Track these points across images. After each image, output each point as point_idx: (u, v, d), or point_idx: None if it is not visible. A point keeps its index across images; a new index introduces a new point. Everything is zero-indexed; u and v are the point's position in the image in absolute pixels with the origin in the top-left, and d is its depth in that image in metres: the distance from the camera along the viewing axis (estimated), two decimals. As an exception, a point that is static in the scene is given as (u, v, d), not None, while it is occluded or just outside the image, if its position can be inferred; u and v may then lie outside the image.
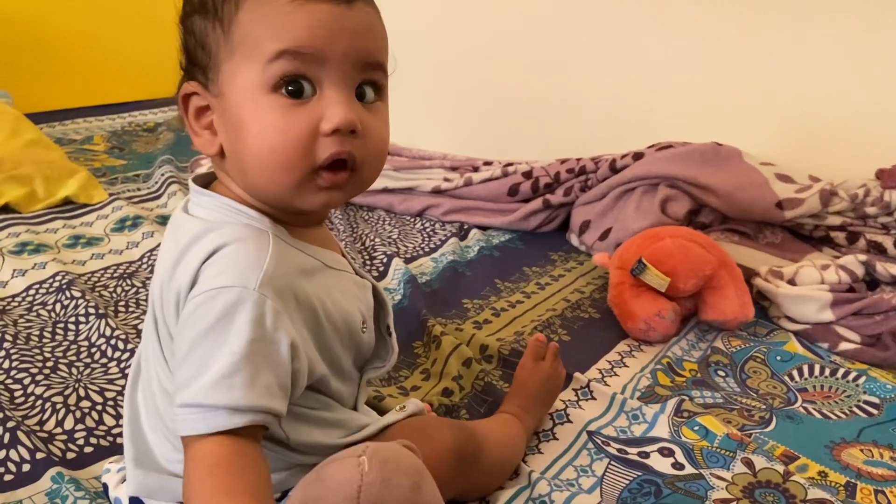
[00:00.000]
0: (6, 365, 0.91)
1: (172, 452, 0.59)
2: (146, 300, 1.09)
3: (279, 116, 0.53)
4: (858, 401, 0.94)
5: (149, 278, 1.15)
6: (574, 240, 1.42)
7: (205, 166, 1.69)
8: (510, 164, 1.57)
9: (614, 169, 1.41)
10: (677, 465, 0.79)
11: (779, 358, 1.03)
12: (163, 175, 1.60)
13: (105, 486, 0.68)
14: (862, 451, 0.84)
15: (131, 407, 0.63)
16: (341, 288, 0.61)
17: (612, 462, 0.80)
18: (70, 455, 0.77)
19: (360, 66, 0.55)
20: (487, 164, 1.66)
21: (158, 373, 0.59)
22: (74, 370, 0.92)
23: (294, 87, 0.53)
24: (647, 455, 0.81)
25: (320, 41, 0.53)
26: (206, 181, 0.61)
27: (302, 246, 0.58)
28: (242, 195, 0.58)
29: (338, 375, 0.62)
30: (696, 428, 0.85)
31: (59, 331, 1.01)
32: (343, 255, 0.66)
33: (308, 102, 0.53)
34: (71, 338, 0.99)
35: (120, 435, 0.75)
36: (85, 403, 0.85)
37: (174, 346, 0.53)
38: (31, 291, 1.11)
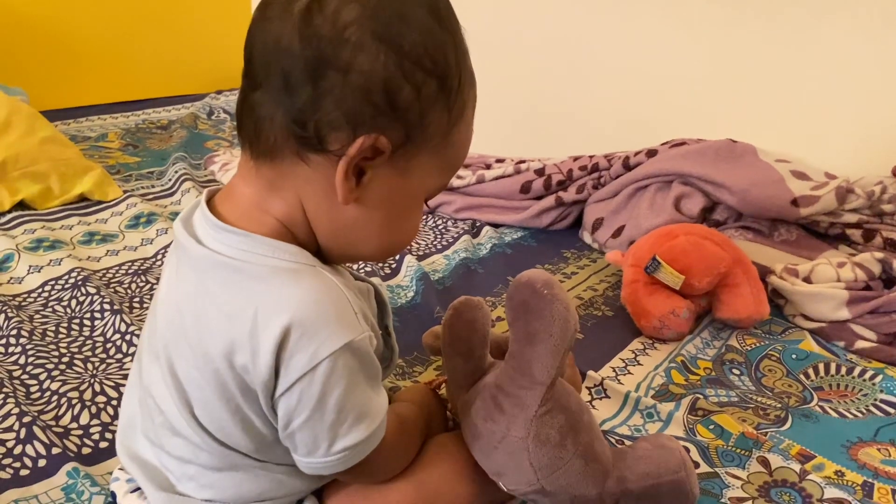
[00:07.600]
0: (22, 360, 0.91)
1: (199, 490, 0.58)
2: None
3: (419, 221, 0.59)
4: (875, 400, 0.93)
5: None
6: (587, 237, 1.41)
7: (218, 163, 1.69)
8: (522, 162, 1.57)
9: (627, 166, 1.40)
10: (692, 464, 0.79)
11: (794, 356, 1.02)
12: (176, 172, 1.61)
13: (113, 495, 0.66)
14: (879, 450, 0.83)
15: (130, 442, 0.62)
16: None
17: (627, 460, 0.79)
18: (85, 450, 0.78)
19: None
20: (500, 161, 1.66)
21: (178, 423, 0.57)
22: (90, 365, 0.93)
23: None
24: (661, 453, 0.80)
25: None
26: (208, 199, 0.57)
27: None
28: (278, 227, 0.53)
29: None
30: (712, 426, 0.85)
31: (74, 326, 1.02)
32: None
33: None
34: (86, 333, 1.00)
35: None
36: (100, 399, 0.86)
37: (287, 404, 0.52)
38: (47, 287, 1.12)
